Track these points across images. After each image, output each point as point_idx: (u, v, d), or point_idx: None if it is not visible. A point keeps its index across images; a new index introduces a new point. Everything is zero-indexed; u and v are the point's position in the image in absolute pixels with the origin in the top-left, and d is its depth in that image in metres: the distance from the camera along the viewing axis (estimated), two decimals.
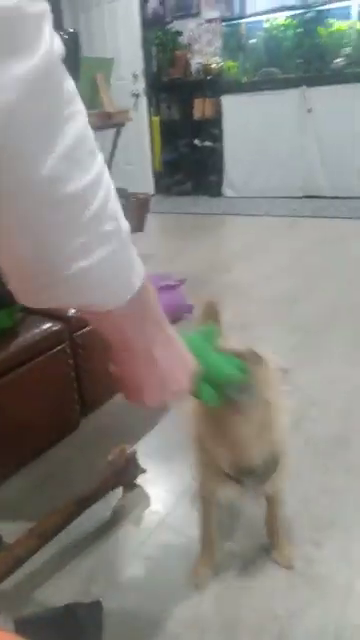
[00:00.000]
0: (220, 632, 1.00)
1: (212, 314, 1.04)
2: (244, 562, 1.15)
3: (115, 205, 0.46)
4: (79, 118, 0.41)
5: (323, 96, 4.67)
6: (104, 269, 0.45)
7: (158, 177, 5.96)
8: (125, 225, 0.48)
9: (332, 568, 1.11)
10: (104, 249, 0.45)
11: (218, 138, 5.41)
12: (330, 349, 2.07)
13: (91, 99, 3.12)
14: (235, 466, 0.91)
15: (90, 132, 0.43)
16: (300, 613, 1.02)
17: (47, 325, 1.54)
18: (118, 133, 3.55)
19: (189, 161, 5.83)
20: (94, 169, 0.43)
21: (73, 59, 3.15)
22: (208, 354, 0.73)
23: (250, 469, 0.90)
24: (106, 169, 0.46)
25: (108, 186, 0.45)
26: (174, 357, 0.62)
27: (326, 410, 1.66)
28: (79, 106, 0.42)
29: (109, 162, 3.65)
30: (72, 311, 1.58)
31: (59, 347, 1.56)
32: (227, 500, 1.12)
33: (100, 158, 0.44)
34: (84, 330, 1.64)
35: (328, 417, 1.63)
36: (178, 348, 0.64)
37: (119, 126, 3.47)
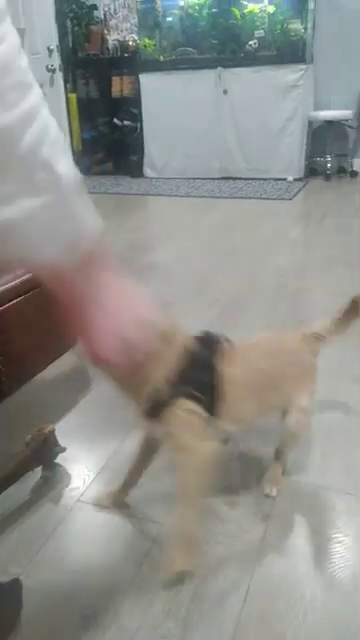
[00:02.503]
0: (136, 598, 1.03)
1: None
2: (159, 527, 1.19)
3: (53, 151, 0.40)
4: (7, 40, 0.34)
5: (237, 78, 4.75)
6: (35, 222, 0.40)
7: (78, 156, 5.81)
8: (68, 175, 0.42)
9: (245, 525, 1.18)
10: (34, 200, 0.39)
11: (137, 117, 5.36)
12: (244, 321, 2.17)
13: None
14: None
15: (22, 62, 0.36)
16: (214, 572, 1.08)
17: None
18: None
19: (109, 140, 5.74)
20: (21, 106, 0.35)
21: None
22: None
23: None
24: (44, 108, 0.39)
25: (43, 128, 0.38)
26: (130, 307, 0.59)
27: None
28: (7, 27, 0.34)
29: None
30: None
31: None
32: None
33: (35, 94, 0.37)
34: None
35: None
36: (135, 300, 0.61)
37: None
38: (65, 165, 0.42)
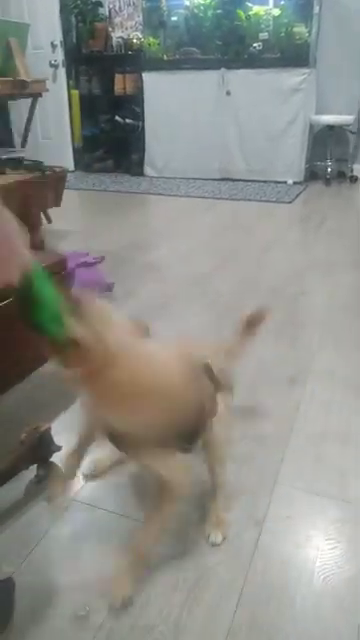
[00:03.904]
0: (130, 600, 1.03)
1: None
2: None
3: None
4: None
5: (241, 79, 4.75)
6: None
7: (79, 153, 5.80)
8: None
9: (239, 530, 1.18)
10: None
11: (140, 116, 5.35)
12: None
13: (4, 65, 2.96)
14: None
15: None
16: (207, 576, 1.08)
17: None
18: (34, 104, 3.41)
19: (110, 138, 5.72)
20: None
21: None
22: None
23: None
24: None
25: None
26: None
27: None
28: None
29: (24, 134, 3.51)
30: None
31: None
32: None
33: None
34: None
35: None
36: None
37: (35, 96, 3.33)
38: None
